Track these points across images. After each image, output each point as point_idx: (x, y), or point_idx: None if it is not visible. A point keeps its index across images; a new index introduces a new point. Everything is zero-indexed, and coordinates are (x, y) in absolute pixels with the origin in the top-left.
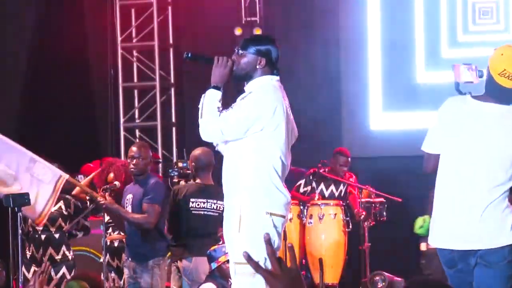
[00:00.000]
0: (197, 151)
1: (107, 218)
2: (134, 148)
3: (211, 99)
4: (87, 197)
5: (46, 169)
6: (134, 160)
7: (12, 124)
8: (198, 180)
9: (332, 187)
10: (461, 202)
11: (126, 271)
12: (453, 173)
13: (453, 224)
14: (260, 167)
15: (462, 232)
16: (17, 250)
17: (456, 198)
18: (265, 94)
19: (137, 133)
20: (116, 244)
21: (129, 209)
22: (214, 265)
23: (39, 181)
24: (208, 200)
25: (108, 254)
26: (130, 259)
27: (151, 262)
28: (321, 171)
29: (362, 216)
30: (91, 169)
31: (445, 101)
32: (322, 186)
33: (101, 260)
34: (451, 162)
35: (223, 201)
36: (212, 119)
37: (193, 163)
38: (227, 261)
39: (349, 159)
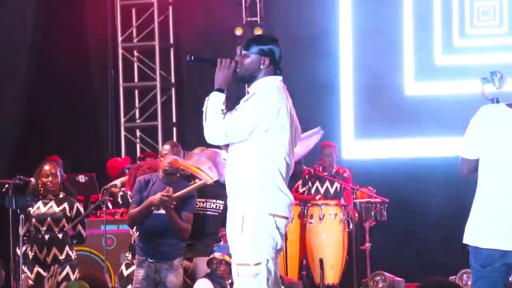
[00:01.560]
0: (195, 151)
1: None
2: (167, 147)
3: (215, 101)
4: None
5: None
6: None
7: (12, 124)
8: (196, 180)
9: (327, 184)
10: (505, 205)
11: (140, 271)
12: (494, 176)
13: (498, 225)
14: (264, 168)
15: (508, 233)
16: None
17: (499, 201)
18: (269, 95)
19: (138, 133)
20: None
21: (161, 209)
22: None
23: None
24: (208, 200)
25: (131, 254)
26: (149, 259)
27: (177, 261)
28: (316, 171)
29: (353, 217)
30: (119, 164)
31: (479, 109)
32: (317, 184)
33: (126, 259)
34: (491, 167)
35: (222, 200)
36: (217, 121)
37: None
38: (213, 259)
39: (334, 149)
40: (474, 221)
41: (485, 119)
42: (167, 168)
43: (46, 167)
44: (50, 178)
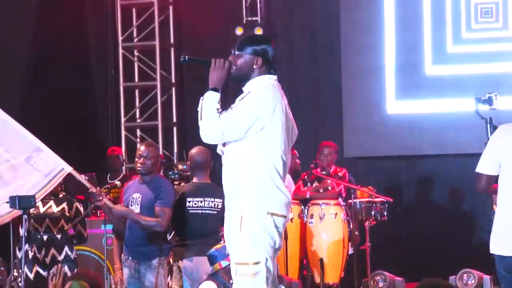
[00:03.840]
0: (192, 151)
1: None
2: (142, 147)
3: (210, 101)
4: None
5: (49, 160)
6: (142, 159)
7: None
8: (194, 180)
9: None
10: None
11: (126, 270)
12: None
13: None
14: (261, 167)
15: None
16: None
17: None
18: (264, 94)
19: (138, 132)
20: None
21: (136, 208)
22: (212, 269)
23: (34, 170)
24: (206, 199)
25: None
26: (131, 258)
27: (155, 261)
28: (313, 171)
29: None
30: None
31: (497, 128)
32: (315, 183)
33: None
34: (510, 181)
35: (221, 199)
36: (212, 121)
37: (189, 163)
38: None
39: (333, 149)
40: (497, 233)
41: (504, 136)
42: (138, 168)
43: None
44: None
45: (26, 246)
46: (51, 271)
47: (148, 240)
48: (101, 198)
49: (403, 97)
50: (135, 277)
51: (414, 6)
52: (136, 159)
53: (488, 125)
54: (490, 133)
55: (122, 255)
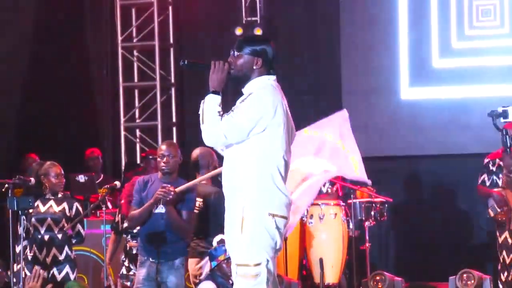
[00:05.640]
0: (193, 152)
1: (124, 224)
2: (163, 147)
3: (211, 104)
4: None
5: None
6: (165, 158)
7: (11, 125)
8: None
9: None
10: None
11: (142, 271)
12: None
13: None
14: (263, 168)
15: None
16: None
17: None
18: (265, 95)
19: (138, 133)
20: (134, 251)
21: (161, 208)
22: (214, 264)
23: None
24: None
25: (127, 259)
26: (151, 259)
27: (178, 261)
28: None
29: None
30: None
31: None
32: None
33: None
34: None
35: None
36: (214, 123)
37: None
38: (227, 260)
39: None
40: None
41: None
42: (163, 168)
43: (57, 169)
44: (59, 179)
45: (25, 243)
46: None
47: (171, 240)
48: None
49: (414, 85)
50: (153, 279)
51: (421, 6)
52: (159, 159)
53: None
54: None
55: (140, 256)
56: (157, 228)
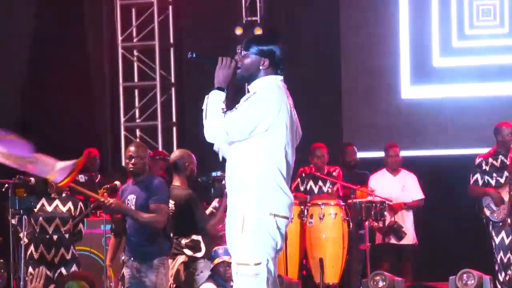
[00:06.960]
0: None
1: None
2: (132, 148)
3: (215, 100)
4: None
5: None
6: (133, 160)
7: (11, 125)
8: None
9: (320, 183)
10: None
11: (127, 270)
12: None
13: None
14: (265, 168)
15: None
16: (18, 250)
17: None
18: (269, 94)
19: (138, 132)
20: None
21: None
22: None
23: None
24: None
25: None
26: (132, 259)
27: (156, 261)
28: (312, 171)
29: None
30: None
31: None
32: (311, 183)
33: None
34: None
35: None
36: (217, 120)
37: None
38: (222, 263)
39: (325, 150)
40: None
41: None
42: (130, 169)
43: None
44: None
45: (27, 242)
46: (29, 274)
47: (149, 240)
48: (109, 202)
49: (415, 84)
50: (136, 277)
51: (422, 5)
52: (127, 160)
53: None
54: None
55: (124, 256)
56: (134, 230)
